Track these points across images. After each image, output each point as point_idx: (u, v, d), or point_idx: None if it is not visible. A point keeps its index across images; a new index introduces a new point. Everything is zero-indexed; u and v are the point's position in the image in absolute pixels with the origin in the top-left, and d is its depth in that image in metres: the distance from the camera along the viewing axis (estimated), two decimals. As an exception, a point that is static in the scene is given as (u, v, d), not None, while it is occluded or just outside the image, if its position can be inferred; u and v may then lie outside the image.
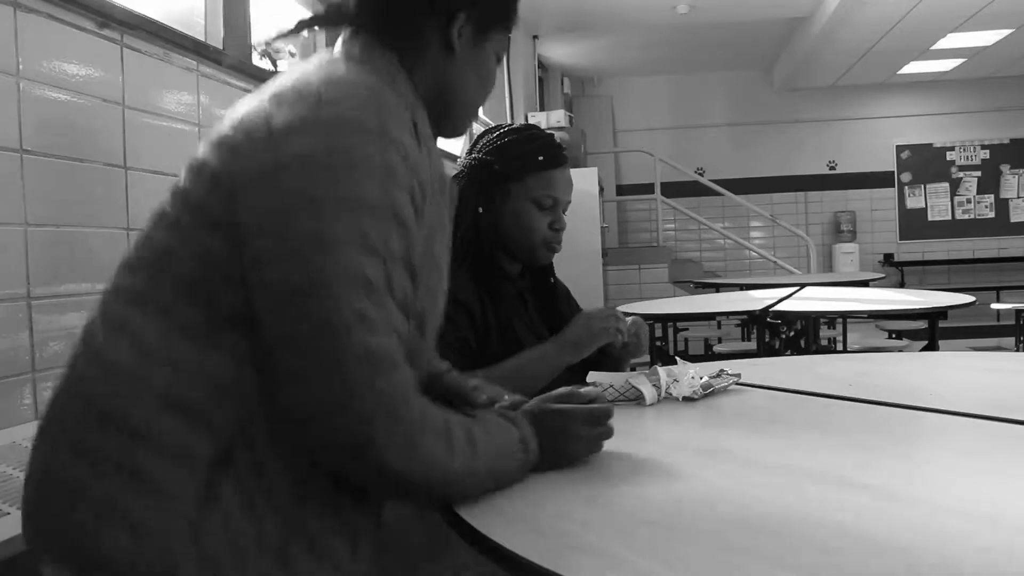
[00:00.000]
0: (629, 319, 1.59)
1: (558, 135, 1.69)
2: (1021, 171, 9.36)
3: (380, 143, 0.81)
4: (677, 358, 1.54)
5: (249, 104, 0.88)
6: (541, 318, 1.66)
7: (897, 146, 9.51)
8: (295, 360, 0.77)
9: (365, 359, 0.76)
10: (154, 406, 0.80)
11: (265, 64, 2.56)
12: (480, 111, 6.08)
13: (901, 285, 8.91)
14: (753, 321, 3.58)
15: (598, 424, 0.98)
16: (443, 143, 1.33)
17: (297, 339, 0.77)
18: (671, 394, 1.38)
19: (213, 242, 0.82)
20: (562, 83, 8.75)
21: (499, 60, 1.05)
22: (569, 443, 0.95)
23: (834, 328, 5.69)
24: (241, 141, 0.83)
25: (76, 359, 0.87)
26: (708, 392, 1.41)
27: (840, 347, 5.45)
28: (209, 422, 0.80)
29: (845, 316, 5.34)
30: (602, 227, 6.25)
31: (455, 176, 1.59)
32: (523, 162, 1.55)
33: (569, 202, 1.62)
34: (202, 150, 0.88)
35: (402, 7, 0.96)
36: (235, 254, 0.81)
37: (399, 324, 0.80)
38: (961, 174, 9.45)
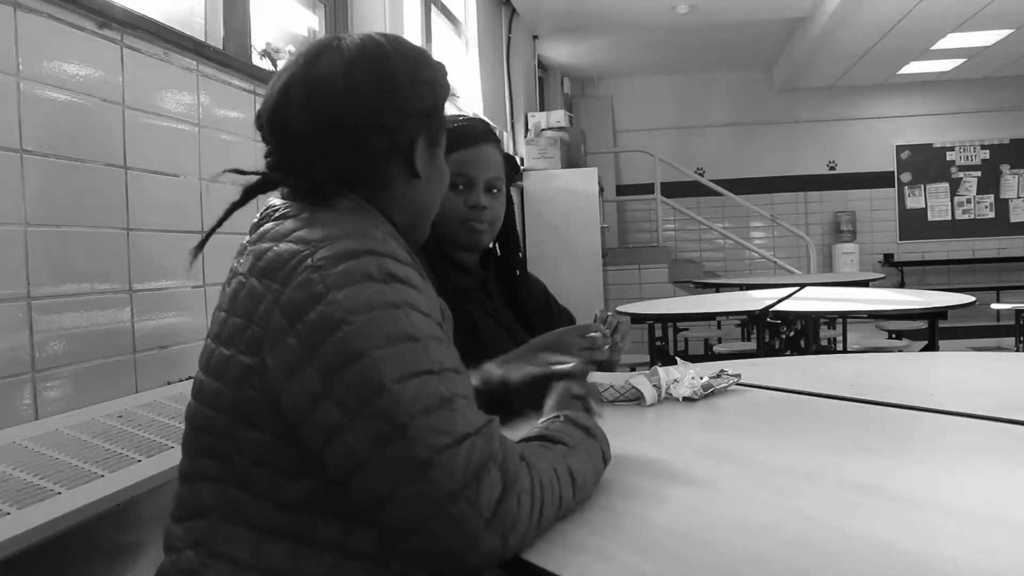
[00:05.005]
0: (610, 317, 1.55)
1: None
2: (1021, 171, 9.35)
3: (399, 287, 0.83)
4: (677, 358, 1.54)
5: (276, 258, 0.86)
6: (508, 305, 1.65)
7: (897, 146, 9.51)
8: (402, 509, 0.74)
9: (468, 477, 0.74)
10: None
11: (265, 64, 2.56)
12: (480, 111, 5.98)
13: (901, 285, 8.91)
14: (753, 321, 3.59)
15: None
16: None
17: (396, 483, 0.75)
18: (671, 394, 1.38)
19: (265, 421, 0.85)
20: (562, 83, 8.75)
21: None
22: None
23: (834, 328, 5.69)
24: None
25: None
26: (708, 392, 1.41)
27: (840, 347, 5.45)
28: None
29: (845, 316, 5.33)
30: (602, 227, 6.24)
31: None
32: None
33: (493, 178, 1.57)
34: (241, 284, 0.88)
35: (368, 162, 0.95)
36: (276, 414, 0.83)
37: (476, 417, 0.79)
38: (961, 174, 9.44)
